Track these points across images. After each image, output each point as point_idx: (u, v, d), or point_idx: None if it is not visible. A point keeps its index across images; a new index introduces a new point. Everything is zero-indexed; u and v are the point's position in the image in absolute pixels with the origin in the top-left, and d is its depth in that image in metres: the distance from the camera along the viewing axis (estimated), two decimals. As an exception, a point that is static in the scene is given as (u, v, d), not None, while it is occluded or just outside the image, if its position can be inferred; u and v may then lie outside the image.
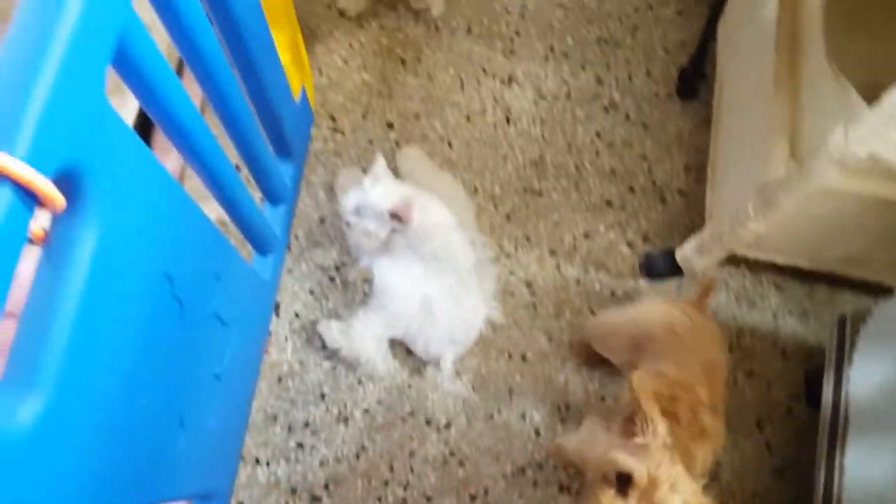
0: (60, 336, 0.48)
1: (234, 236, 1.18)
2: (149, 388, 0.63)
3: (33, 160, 0.41)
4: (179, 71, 1.18)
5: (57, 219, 0.49)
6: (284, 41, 1.03)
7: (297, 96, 1.14)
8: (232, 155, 1.21)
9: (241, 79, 0.91)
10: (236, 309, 0.89)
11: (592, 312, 1.17)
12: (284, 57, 1.03)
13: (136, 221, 0.57)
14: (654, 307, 0.96)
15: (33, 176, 0.41)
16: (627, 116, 1.32)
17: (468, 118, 1.31)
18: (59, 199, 0.43)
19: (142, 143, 0.57)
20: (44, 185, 0.41)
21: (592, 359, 1.11)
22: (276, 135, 1.08)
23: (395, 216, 1.05)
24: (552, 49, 1.36)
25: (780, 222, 0.90)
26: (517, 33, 1.37)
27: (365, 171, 1.25)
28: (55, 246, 0.49)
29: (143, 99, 0.62)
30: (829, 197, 0.85)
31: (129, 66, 0.55)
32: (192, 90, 1.19)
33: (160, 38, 0.78)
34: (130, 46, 0.54)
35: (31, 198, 0.42)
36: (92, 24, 0.46)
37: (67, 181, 0.47)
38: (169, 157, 1.13)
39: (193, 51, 0.71)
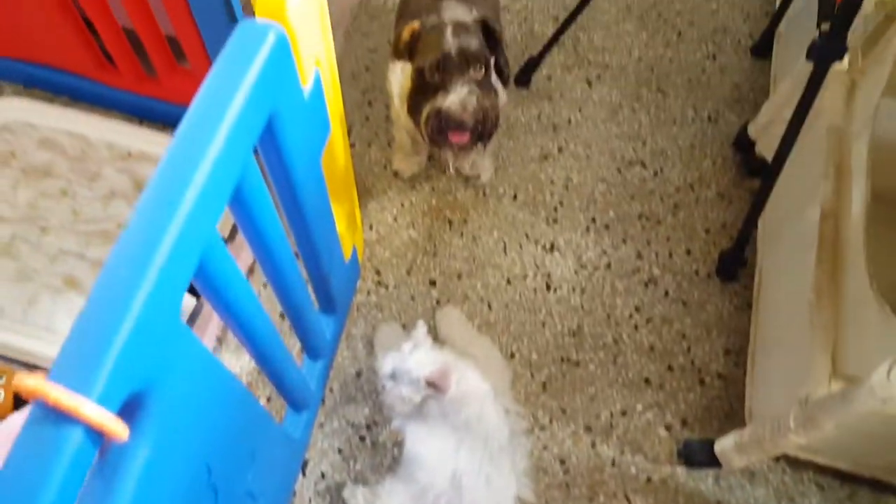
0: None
1: (268, 387, 1.20)
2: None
3: (106, 398, 0.44)
4: (232, 235, 1.25)
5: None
6: (342, 212, 1.09)
7: (347, 257, 1.18)
8: (275, 306, 1.26)
9: (296, 245, 0.95)
10: (267, 480, 0.89)
11: (627, 499, 1.13)
12: (340, 225, 1.08)
13: (189, 423, 0.59)
14: None
15: (106, 417, 0.43)
16: (667, 293, 1.33)
17: (509, 281, 1.34)
18: (125, 434, 0.45)
19: (203, 347, 0.60)
20: (114, 425, 0.44)
21: None
22: (323, 294, 1.12)
23: (431, 384, 1.06)
24: (594, 221, 1.40)
25: (821, 436, 0.88)
26: (561, 203, 1.42)
27: (405, 327, 1.28)
28: (109, 460, 0.51)
29: (206, 294, 0.66)
30: (872, 417, 0.84)
31: (205, 278, 0.59)
32: (244, 254, 1.25)
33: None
34: (210, 263, 0.58)
35: (98, 435, 0.44)
36: (179, 255, 0.50)
37: (131, 406, 0.49)
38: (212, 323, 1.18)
39: (254, 230, 0.73)
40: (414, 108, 1.04)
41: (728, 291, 1.34)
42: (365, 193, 1.41)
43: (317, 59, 0.76)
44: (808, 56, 0.95)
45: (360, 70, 1.55)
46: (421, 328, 1.11)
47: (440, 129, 1.00)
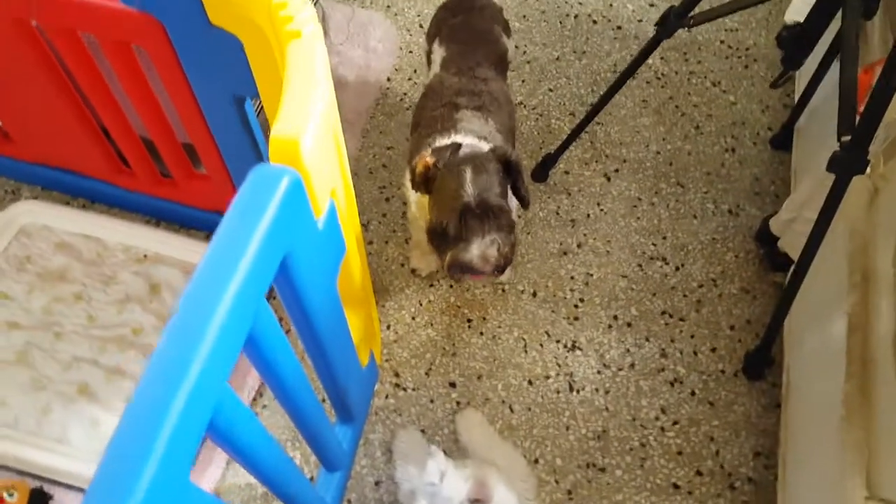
0: None
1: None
2: None
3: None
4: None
5: None
6: (359, 322, 1.08)
7: (364, 363, 1.17)
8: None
9: (312, 363, 0.94)
10: None
11: None
12: (356, 334, 1.07)
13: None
14: None
15: None
16: (693, 393, 1.29)
17: (530, 382, 1.31)
18: None
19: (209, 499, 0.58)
20: None
21: None
22: (340, 404, 1.10)
23: (475, 501, 1.02)
24: (616, 318, 1.38)
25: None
26: (581, 300, 1.40)
27: (424, 432, 1.25)
28: None
29: (219, 443, 0.64)
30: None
31: (217, 431, 0.58)
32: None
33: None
34: (222, 417, 0.56)
35: None
36: (187, 422, 0.49)
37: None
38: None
39: (269, 369, 0.72)
40: (436, 245, 1.06)
41: (755, 390, 1.29)
42: (382, 292, 1.41)
43: (332, 189, 0.77)
44: (829, 168, 0.93)
45: (377, 167, 1.57)
46: (439, 456, 1.05)
47: (462, 272, 1.02)
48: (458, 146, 1.02)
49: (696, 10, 1.10)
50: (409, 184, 1.20)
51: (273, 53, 0.85)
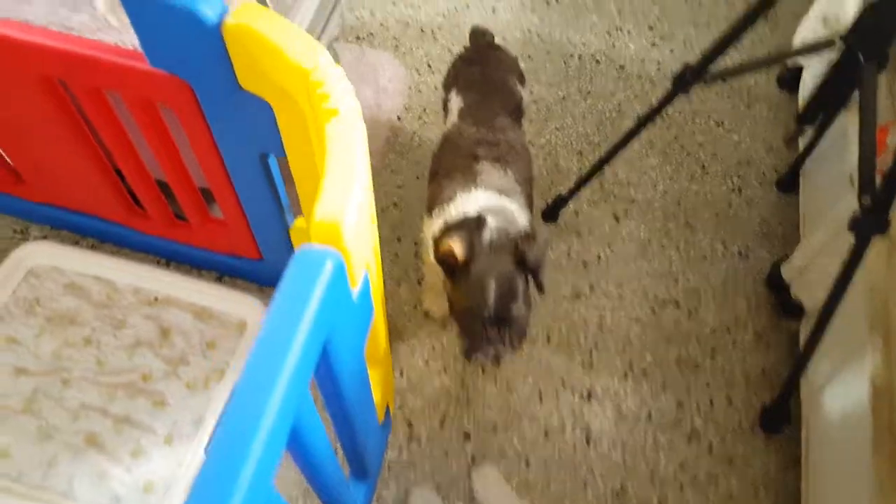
0: None
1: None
2: None
3: None
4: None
5: None
6: (379, 378, 1.06)
7: (381, 420, 1.15)
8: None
9: (332, 420, 0.91)
10: None
11: None
12: (377, 392, 1.05)
13: None
14: None
15: None
16: (711, 448, 1.28)
17: (546, 434, 1.29)
18: None
19: None
20: None
21: None
22: (356, 460, 1.08)
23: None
24: (631, 367, 1.37)
25: None
26: (595, 346, 1.39)
27: (439, 489, 1.22)
28: None
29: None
30: None
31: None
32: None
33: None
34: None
35: None
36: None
37: None
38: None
39: (305, 458, 0.71)
40: (455, 319, 1.09)
41: (773, 445, 1.28)
42: (395, 335, 1.39)
43: (367, 262, 0.75)
44: (850, 228, 0.93)
45: (388, 206, 1.56)
46: None
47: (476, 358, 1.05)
48: (481, 223, 1.01)
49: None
50: (427, 232, 1.18)
51: (302, 116, 0.83)
